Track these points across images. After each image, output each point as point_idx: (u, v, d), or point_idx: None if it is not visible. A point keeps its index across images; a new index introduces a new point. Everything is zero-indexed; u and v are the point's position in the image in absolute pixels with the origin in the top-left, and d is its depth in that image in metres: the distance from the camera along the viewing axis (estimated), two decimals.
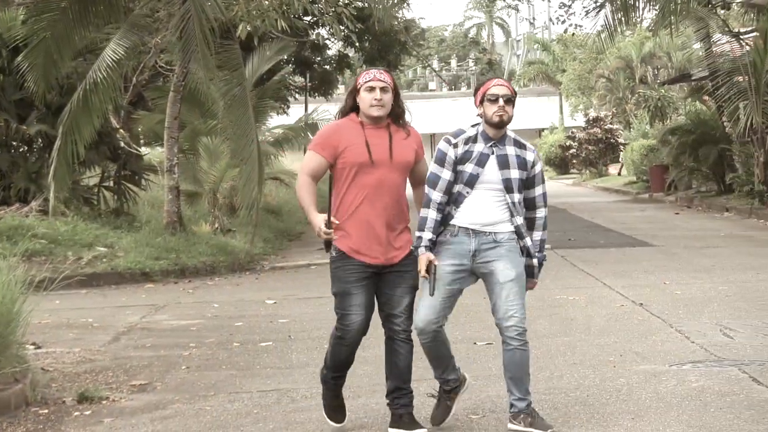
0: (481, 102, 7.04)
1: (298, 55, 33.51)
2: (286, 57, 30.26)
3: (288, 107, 36.10)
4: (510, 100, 6.97)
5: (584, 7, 30.32)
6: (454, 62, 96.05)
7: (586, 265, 16.31)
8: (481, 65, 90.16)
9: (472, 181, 6.97)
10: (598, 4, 22.91)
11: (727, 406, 7.50)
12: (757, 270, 14.22)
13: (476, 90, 7.17)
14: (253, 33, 19.97)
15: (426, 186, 7.12)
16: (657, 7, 22.43)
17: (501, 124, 6.98)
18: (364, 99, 7.00)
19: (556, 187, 44.98)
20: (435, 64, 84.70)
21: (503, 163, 6.99)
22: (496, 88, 6.99)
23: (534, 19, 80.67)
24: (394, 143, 7.05)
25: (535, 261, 7.12)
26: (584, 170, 53.80)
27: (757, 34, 25.25)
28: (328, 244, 6.96)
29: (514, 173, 6.99)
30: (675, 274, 14.89)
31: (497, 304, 6.94)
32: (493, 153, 7.00)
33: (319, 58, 37.47)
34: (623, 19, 22.14)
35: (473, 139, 7.06)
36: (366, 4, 25.13)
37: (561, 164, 59.84)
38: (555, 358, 9.41)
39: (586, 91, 59.35)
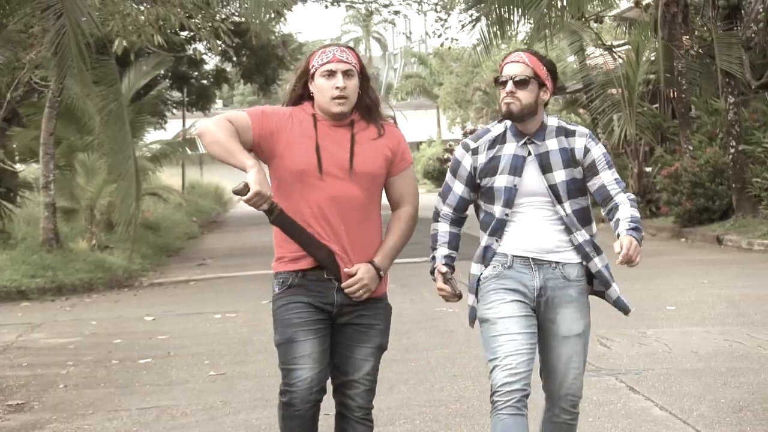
0: (496, 85, 5.27)
1: (175, 70, 33.28)
2: (163, 72, 30.07)
3: (165, 122, 35.85)
4: (524, 82, 5.10)
5: (460, 21, 30.56)
6: None
7: (464, 277, 16.40)
8: None
9: (510, 198, 5.11)
10: (473, 18, 23.17)
11: (605, 416, 7.57)
12: (631, 281, 14.50)
13: (496, 73, 5.37)
14: (130, 48, 19.79)
15: (442, 192, 5.37)
16: (532, 21, 22.75)
17: (509, 116, 5.15)
18: (321, 88, 5.03)
19: (434, 200, 45.27)
20: None
21: (545, 165, 5.12)
22: (507, 66, 5.18)
23: (411, 32, 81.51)
24: (358, 147, 5.06)
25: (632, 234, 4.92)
26: None
27: (630, 47, 25.82)
28: (268, 212, 4.91)
29: (560, 175, 5.12)
30: None
31: (553, 365, 5.18)
32: (530, 153, 5.14)
33: (196, 73, 37.19)
34: (498, 32, 22.41)
35: (500, 139, 5.21)
36: (243, 19, 24.98)
37: (439, 177, 60.37)
38: (435, 371, 9.38)
39: (463, 104, 60.08)
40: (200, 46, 32.79)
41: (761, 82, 22.66)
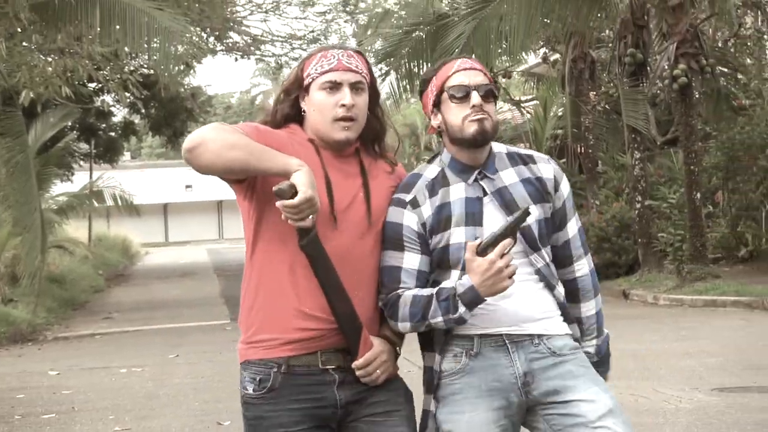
0: (437, 105, 3.74)
1: (82, 122, 33.09)
2: (70, 123, 29.84)
3: (72, 174, 35.52)
4: (491, 93, 3.72)
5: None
6: None
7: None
8: None
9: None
10: (383, 72, 23.38)
11: None
12: None
13: (422, 85, 3.85)
14: (37, 100, 19.70)
15: (383, 282, 3.71)
16: None
17: (483, 137, 3.67)
18: (321, 105, 3.61)
19: None
20: None
21: (509, 203, 3.68)
22: (462, 74, 3.70)
23: None
24: (373, 185, 3.71)
25: (591, 350, 3.87)
26: None
27: (537, 102, 26.27)
28: (304, 231, 3.43)
29: (533, 212, 3.64)
30: None
31: None
32: (485, 193, 3.70)
33: (104, 125, 37.04)
34: (408, 86, 22.61)
35: (440, 182, 3.74)
36: (152, 71, 24.99)
37: None
38: None
39: None
40: (108, 98, 32.72)
41: (666, 138, 23.17)
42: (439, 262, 3.68)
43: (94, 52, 19.81)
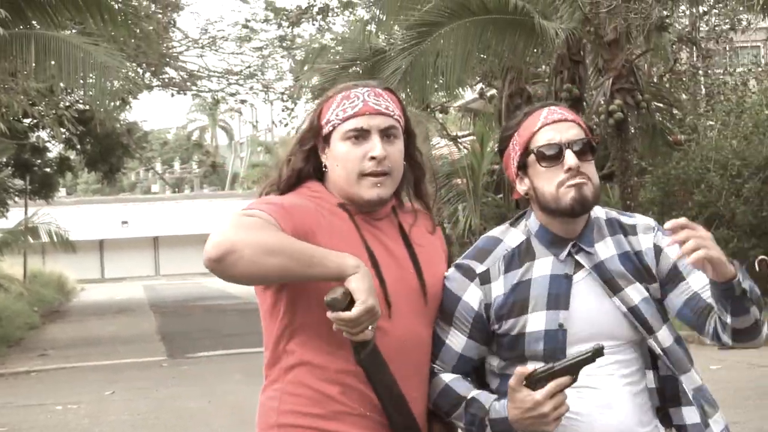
0: (523, 167, 3.08)
1: (17, 158, 32.85)
2: (5, 159, 29.59)
3: (7, 210, 35.17)
4: (589, 149, 3.02)
5: (306, 111, 30.95)
6: (177, 165, 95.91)
7: None
8: (204, 168, 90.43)
9: (555, 350, 2.96)
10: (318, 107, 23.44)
11: None
12: None
13: (502, 143, 3.22)
14: None
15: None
16: None
17: (582, 207, 3.00)
18: (345, 158, 2.97)
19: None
20: (158, 167, 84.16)
21: (609, 282, 3.01)
22: (551, 129, 3.02)
23: (257, 121, 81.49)
24: (421, 254, 3.07)
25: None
26: None
27: (474, 137, 26.41)
28: (362, 344, 2.77)
29: (634, 294, 3.01)
30: None
31: None
32: (574, 272, 3.03)
33: (39, 161, 36.71)
34: None
35: (524, 253, 3.08)
36: (87, 107, 24.84)
37: None
38: None
39: None
40: (44, 134, 32.52)
41: (603, 173, 23.34)
42: (512, 353, 3.03)
43: (29, 87, 19.69)
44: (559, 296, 2.97)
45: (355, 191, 2.94)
